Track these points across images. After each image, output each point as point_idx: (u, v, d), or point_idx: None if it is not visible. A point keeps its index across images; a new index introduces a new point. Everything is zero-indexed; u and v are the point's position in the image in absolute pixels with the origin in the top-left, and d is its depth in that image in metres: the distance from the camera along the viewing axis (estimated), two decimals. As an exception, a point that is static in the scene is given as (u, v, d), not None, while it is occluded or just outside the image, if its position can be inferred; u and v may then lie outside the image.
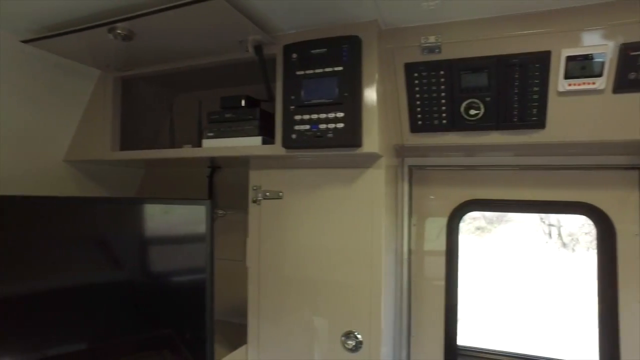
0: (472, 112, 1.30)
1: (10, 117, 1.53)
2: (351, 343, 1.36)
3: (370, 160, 1.34)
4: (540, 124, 1.23)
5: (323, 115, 1.26)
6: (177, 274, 1.38)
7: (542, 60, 1.18)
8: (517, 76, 1.23)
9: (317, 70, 1.27)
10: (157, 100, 1.92)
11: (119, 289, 1.33)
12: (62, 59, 1.52)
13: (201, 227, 1.29)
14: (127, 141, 1.72)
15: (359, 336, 1.35)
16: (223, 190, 1.94)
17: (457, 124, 1.35)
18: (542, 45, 1.18)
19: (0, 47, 1.37)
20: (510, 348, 1.68)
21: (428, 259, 1.67)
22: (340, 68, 1.25)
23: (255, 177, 1.51)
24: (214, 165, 1.91)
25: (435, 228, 1.66)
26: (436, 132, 1.40)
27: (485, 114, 1.29)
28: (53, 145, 1.72)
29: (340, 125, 1.24)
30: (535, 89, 1.20)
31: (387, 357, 1.46)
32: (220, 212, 1.86)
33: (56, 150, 1.74)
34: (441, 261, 1.64)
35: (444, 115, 1.37)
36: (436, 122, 1.38)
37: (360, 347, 1.35)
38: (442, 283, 1.63)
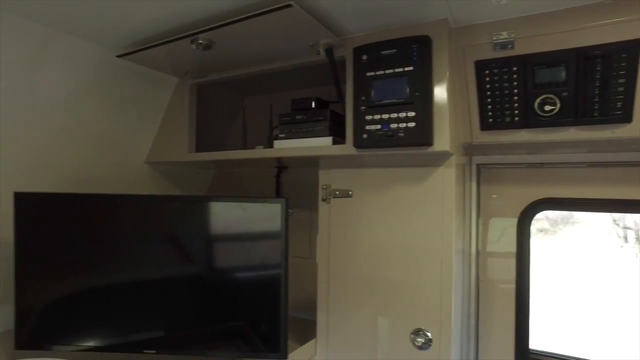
0: (547, 107, 1.27)
1: (101, 122, 1.69)
2: (420, 340, 1.37)
3: (440, 158, 1.34)
4: (626, 117, 1.17)
5: (394, 115, 1.28)
6: (253, 269, 1.45)
7: (630, 49, 1.13)
8: (599, 68, 1.18)
9: (387, 71, 1.30)
10: (227, 104, 2.03)
11: (197, 281, 1.42)
12: (144, 68, 1.65)
13: (276, 225, 1.35)
14: (199, 144, 1.83)
15: (428, 334, 1.36)
16: (289, 189, 2.01)
17: (531, 120, 1.32)
18: (628, 34, 1.13)
19: (98, 61, 1.52)
20: (582, 354, 1.61)
21: (496, 260, 1.64)
22: (411, 68, 1.27)
23: (325, 177, 1.55)
24: (281, 165, 1.99)
25: (503, 228, 1.63)
26: (508, 130, 1.37)
27: (562, 110, 1.25)
28: (136, 148, 1.87)
29: (412, 124, 1.26)
30: (621, 80, 1.15)
31: (455, 357, 1.45)
32: (289, 210, 1.94)
33: (138, 153, 1.89)
34: (509, 262, 1.60)
35: (516, 112, 1.34)
36: (508, 119, 1.35)
37: (429, 345, 1.35)
38: (512, 285, 1.59)
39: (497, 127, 1.38)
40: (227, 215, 1.46)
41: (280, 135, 1.56)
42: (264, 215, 1.39)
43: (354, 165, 1.50)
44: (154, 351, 1.34)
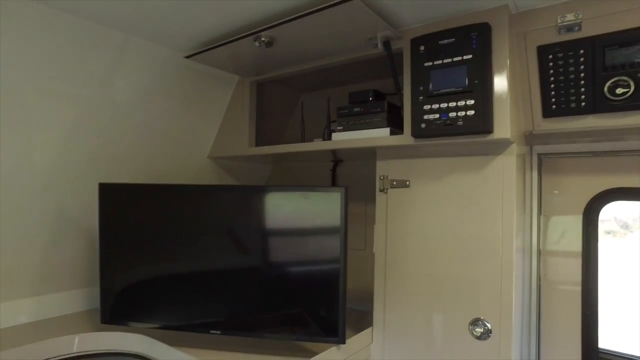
0: (619, 91, 1.21)
1: (168, 120, 1.81)
2: (479, 330, 1.36)
3: (500, 147, 1.32)
4: None
5: (452, 104, 1.28)
6: (312, 258, 1.49)
7: None
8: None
9: (446, 60, 1.30)
10: (285, 101, 2.11)
11: (258, 269, 1.48)
12: (207, 68, 1.76)
13: (336, 214, 1.39)
14: (259, 139, 1.92)
15: (487, 324, 1.34)
16: (345, 182, 2.05)
17: (599, 105, 1.27)
18: None
19: (167, 62, 1.63)
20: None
21: (559, 260, 1.58)
22: (470, 56, 1.26)
23: (382, 167, 1.58)
24: (337, 159, 2.03)
25: (565, 225, 1.56)
26: (573, 116, 1.33)
27: (636, 92, 1.19)
28: (199, 144, 1.99)
29: (471, 112, 1.25)
30: None
31: (516, 354, 1.43)
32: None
33: (202, 149, 2.01)
34: (572, 262, 1.54)
35: (582, 97, 1.29)
36: (573, 105, 1.31)
37: (489, 335, 1.34)
38: (577, 287, 1.53)
39: (561, 113, 1.34)
40: (287, 205, 1.52)
41: (338, 128, 1.60)
42: (323, 204, 1.44)
43: (412, 156, 1.51)
44: (219, 332, 1.43)
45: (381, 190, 1.58)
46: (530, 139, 1.54)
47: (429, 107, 1.33)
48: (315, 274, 1.45)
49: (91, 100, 1.53)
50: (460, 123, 1.27)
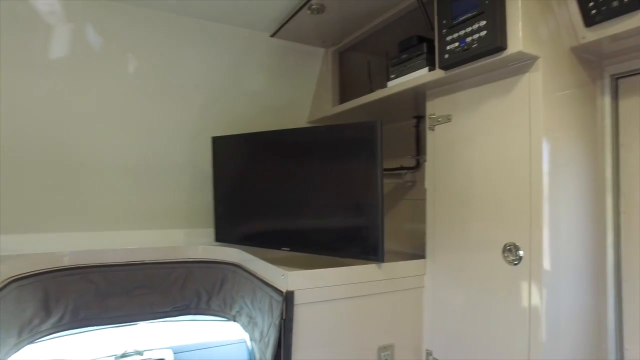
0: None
1: (272, 92, 2.26)
2: (511, 255, 1.34)
3: (525, 65, 1.29)
4: None
5: (468, 29, 1.33)
6: (357, 190, 1.66)
7: None
8: None
9: (463, -11, 1.35)
10: (357, 64, 2.33)
11: (318, 199, 1.77)
12: (297, 44, 2.13)
13: (373, 144, 1.56)
14: (342, 99, 2.19)
15: (520, 250, 1.31)
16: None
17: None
18: None
19: (256, 43, 2.07)
20: None
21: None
22: (482, -23, 1.29)
23: (430, 107, 1.66)
24: (418, 115, 2.13)
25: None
26: (620, 17, 1.17)
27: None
28: (298, 111, 2.38)
29: (483, 33, 1.28)
30: None
31: (577, 297, 1.34)
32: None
33: (302, 115, 2.40)
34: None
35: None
36: (615, 3, 1.17)
37: (520, 260, 1.32)
38: None
39: (605, 17, 1.21)
40: (332, 142, 1.74)
41: (391, 76, 1.76)
42: (361, 137, 1.62)
43: (452, 91, 1.56)
44: (288, 248, 1.78)
45: (430, 129, 1.67)
46: (596, 59, 1.40)
47: (450, 37, 1.39)
48: (360, 204, 1.64)
49: (214, 85, 2.08)
50: (475, 46, 1.31)
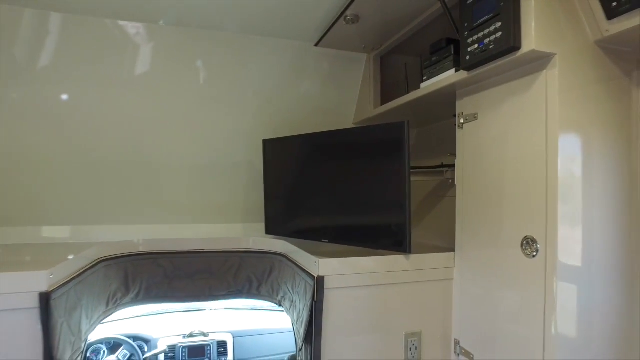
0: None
1: (320, 96, 2.43)
2: (529, 248, 1.37)
3: (542, 62, 1.32)
4: None
5: (486, 31, 1.38)
6: (388, 187, 1.78)
7: None
8: None
9: (482, -7, 1.41)
10: (396, 66, 2.41)
11: (353, 196, 1.90)
12: (342, 54, 2.28)
13: (401, 142, 1.66)
14: (383, 100, 2.30)
15: (537, 242, 1.34)
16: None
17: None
18: None
19: (303, 53, 2.26)
20: None
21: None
22: (499, -18, 1.34)
23: (460, 106, 1.72)
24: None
25: None
26: None
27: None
28: (344, 113, 2.53)
29: (499, 34, 1.33)
30: None
31: (604, 294, 1.35)
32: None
33: (347, 117, 2.55)
34: None
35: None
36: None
37: (537, 253, 1.35)
38: None
39: (628, 9, 1.21)
40: (364, 141, 1.87)
41: (424, 78, 1.84)
42: (389, 137, 1.73)
43: (478, 90, 1.61)
44: (327, 240, 1.93)
45: (459, 127, 1.72)
46: (622, 51, 1.38)
47: (471, 39, 1.46)
48: (390, 200, 1.74)
49: (267, 92, 2.32)
50: (492, 47, 1.36)
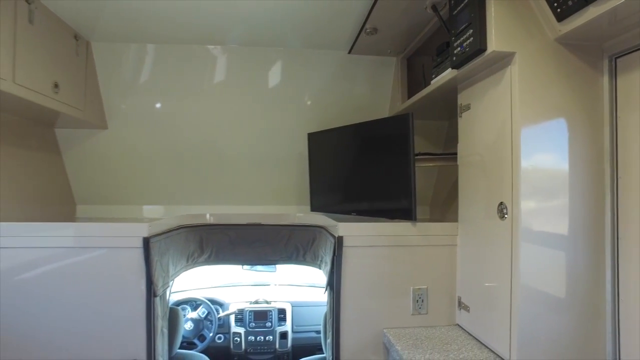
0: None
1: (357, 96, 2.86)
2: (500, 212, 1.69)
3: (507, 60, 1.61)
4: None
5: (464, 36, 1.72)
6: (397, 166, 2.15)
7: None
8: None
9: (460, 5, 1.74)
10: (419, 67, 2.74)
11: (374, 175, 2.29)
12: (373, 58, 2.70)
13: (407, 131, 2.04)
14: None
15: (507, 209, 1.65)
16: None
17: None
18: None
19: (338, 60, 2.71)
20: None
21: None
22: (471, -5, 1.67)
23: (460, 98, 2.04)
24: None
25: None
26: (586, 7, 1.37)
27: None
28: (380, 109, 2.92)
29: (471, 39, 1.66)
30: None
31: (576, 257, 1.61)
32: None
33: (382, 112, 2.93)
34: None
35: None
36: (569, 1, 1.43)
37: (506, 215, 1.65)
38: None
39: (572, 10, 1.45)
40: (380, 134, 2.25)
41: (433, 76, 2.19)
42: (397, 128, 2.11)
43: (470, 85, 1.92)
44: (355, 213, 2.36)
45: (459, 116, 2.05)
46: (586, 42, 1.61)
47: (456, 43, 1.80)
48: (400, 179, 2.12)
49: (312, 94, 2.82)
50: (467, 49, 1.70)
